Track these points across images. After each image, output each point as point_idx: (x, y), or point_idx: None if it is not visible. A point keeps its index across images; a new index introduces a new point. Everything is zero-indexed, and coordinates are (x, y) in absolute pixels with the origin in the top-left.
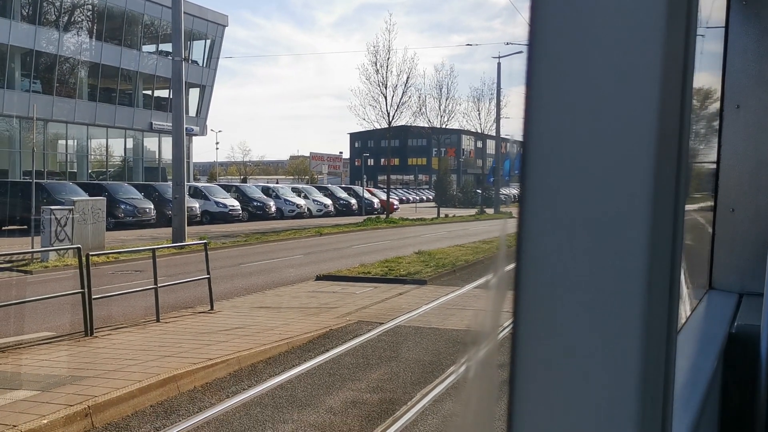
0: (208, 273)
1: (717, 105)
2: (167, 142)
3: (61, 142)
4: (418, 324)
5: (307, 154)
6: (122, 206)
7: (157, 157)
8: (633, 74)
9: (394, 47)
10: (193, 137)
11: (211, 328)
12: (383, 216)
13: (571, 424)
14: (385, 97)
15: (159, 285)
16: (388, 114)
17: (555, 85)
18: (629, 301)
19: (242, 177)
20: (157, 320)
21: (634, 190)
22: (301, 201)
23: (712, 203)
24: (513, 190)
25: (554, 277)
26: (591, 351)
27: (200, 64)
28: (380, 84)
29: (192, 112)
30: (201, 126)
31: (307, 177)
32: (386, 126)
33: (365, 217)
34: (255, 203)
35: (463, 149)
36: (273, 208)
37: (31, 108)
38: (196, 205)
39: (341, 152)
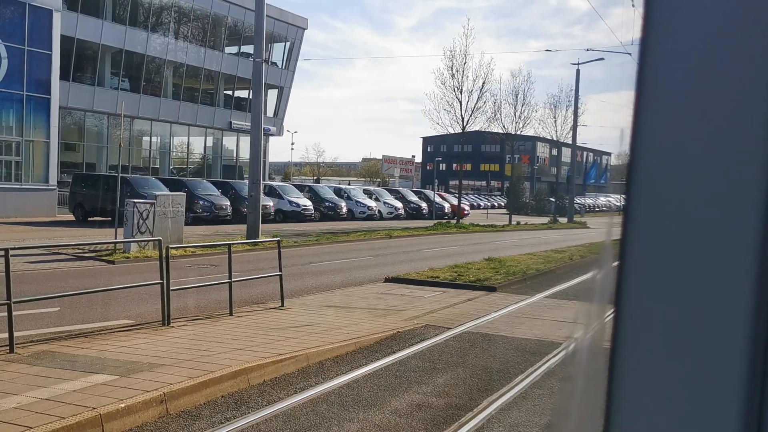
0: (280, 270)
1: None
2: (245, 141)
3: (146, 138)
4: (486, 331)
5: (380, 157)
6: (201, 202)
7: (234, 155)
8: (743, 79)
9: (470, 52)
10: (270, 137)
11: (282, 324)
12: (454, 221)
13: (670, 419)
14: (460, 102)
15: (233, 280)
16: (462, 119)
17: (665, 90)
18: (738, 309)
19: (315, 177)
20: (230, 314)
21: (744, 198)
22: (371, 203)
23: None
24: (588, 200)
25: (660, 285)
26: (694, 362)
27: (279, 66)
28: (455, 89)
29: (270, 112)
30: (278, 126)
31: (378, 180)
32: (460, 131)
33: (435, 221)
34: (327, 203)
35: (538, 156)
36: (344, 209)
37: (119, 105)
38: (270, 203)
39: (413, 156)
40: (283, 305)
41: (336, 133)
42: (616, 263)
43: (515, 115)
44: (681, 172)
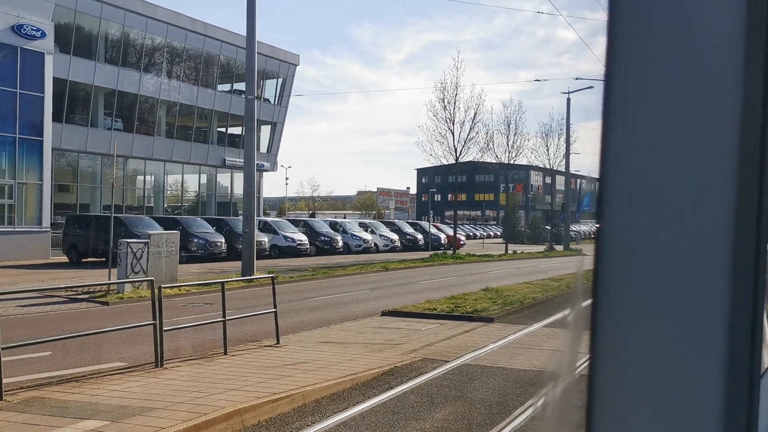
0: (275, 307)
1: None
2: (239, 178)
3: (140, 177)
4: (485, 363)
5: (374, 189)
6: (195, 240)
7: (229, 191)
8: (710, 110)
9: (461, 83)
10: (264, 172)
11: (277, 362)
12: (450, 252)
13: None
14: (453, 133)
15: (227, 318)
16: (456, 150)
17: (630, 118)
18: (710, 344)
19: (311, 212)
20: (225, 353)
21: (714, 229)
22: (367, 236)
23: None
24: (584, 227)
25: (632, 316)
26: (670, 394)
27: (272, 102)
28: (448, 120)
29: (263, 148)
30: (272, 162)
31: (374, 212)
32: (453, 161)
33: (432, 252)
34: (323, 238)
35: (531, 185)
36: (340, 243)
37: (112, 145)
38: (265, 239)
39: (408, 187)
40: (278, 342)
41: (331, 167)
42: (588, 302)
43: (508, 144)
44: (648, 199)
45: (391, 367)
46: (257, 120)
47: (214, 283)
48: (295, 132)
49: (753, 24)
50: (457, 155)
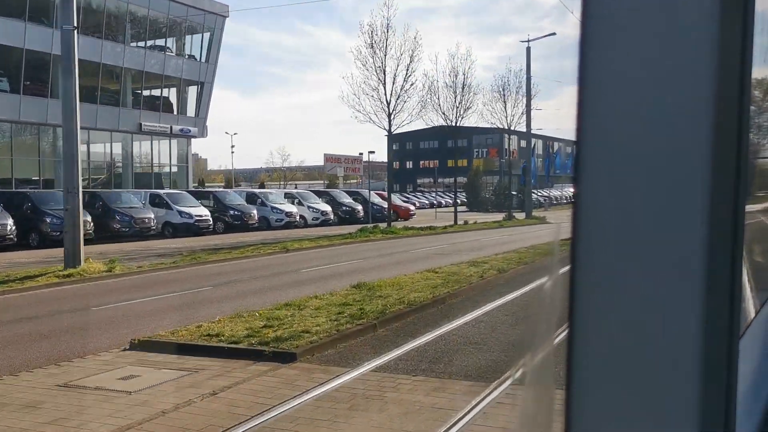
0: None
1: None
2: (163, 145)
3: (37, 145)
4: None
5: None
6: (48, 219)
7: (150, 161)
8: (687, 70)
9: (393, 26)
10: (192, 139)
11: None
12: (384, 225)
13: (631, 430)
14: (384, 85)
15: None
16: (388, 104)
17: (608, 82)
18: (688, 305)
19: (260, 183)
20: None
21: (692, 189)
22: (291, 208)
23: None
24: (555, 192)
25: (611, 280)
26: (649, 355)
27: (198, 59)
28: (377, 69)
29: (190, 111)
30: (200, 127)
31: (337, 181)
32: (385, 119)
33: (360, 226)
34: (233, 212)
35: (506, 149)
36: (256, 218)
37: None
38: (150, 215)
39: (361, 153)
40: None
41: (309, 137)
42: (566, 268)
43: (455, 99)
44: (625, 166)
45: None
46: (182, 79)
47: None
48: (277, 102)
49: None
50: (390, 111)
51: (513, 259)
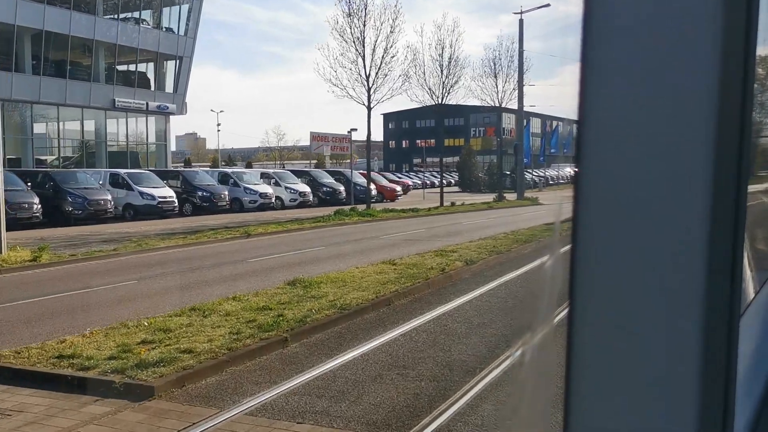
0: None
1: None
2: (136, 123)
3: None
4: None
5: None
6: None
7: (126, 139)
8: (691, 45)
9: None
10: (171, 116)
11: None
12: (376, 206)
13: (630, 407)
14: (363, 57)
15: None
16: (367, 78)
17: (610, 56)
18: (689, 283)
19: (246, 163)
20: None
21: (693, 167)
22: (266, 189)
23: None
24: (551, 171)
25: (612, 259)
26: (650, 334)
27: (176, 32)
28: (355, 40)
29: (168, 87)
30: (179, 103)
31: (332, 161)
32: (365, 95)
33: (337, 208)
34: (202, 193)
35: (504, 128)
36: (227, 199)
37: None
38: (107, 197)
39: (350, 131)
40: None
41: (308, 116)
42: (567, 248)
43: (441, 73)
44: (627, 144)
45: None
46: (158, 53)
47: None
48: (276, 81)
49: None
50: (370, 85)
51: (487, 248)
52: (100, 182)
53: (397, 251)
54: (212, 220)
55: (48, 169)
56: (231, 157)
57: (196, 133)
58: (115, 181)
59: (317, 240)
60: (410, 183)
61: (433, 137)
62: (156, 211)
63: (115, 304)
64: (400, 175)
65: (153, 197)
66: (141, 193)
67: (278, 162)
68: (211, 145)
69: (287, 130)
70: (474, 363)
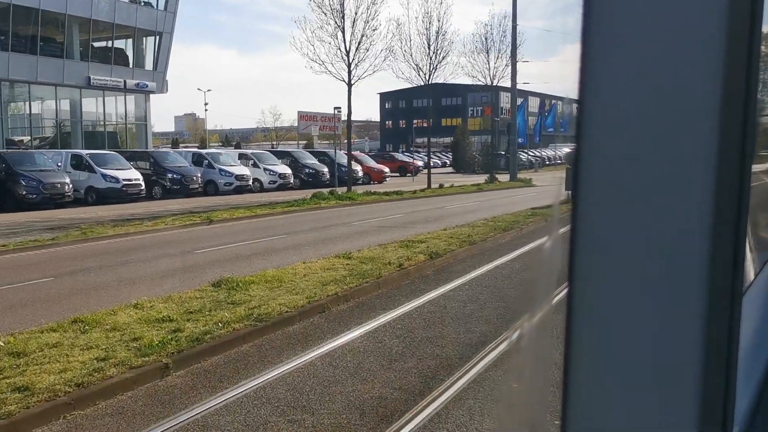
0: None
1: None
2: (113, 102)
3: None
4: None
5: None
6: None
7: (103, 118)
8: (694, 25)
9: None
10: (151, 95)
11: None
12: (359, 188)
13: (630, 387)
14: (343, 31)
15: None
16: (348, 53)
17: (613, 37)
18: (692, 262)
19: (235, 143)
20: None
21: (696, 148)
22: (244, 171)
23: None
24: (548, 152)
25: (613, 238)
26: (652, 312)
27: (155, 7)
28: (335, 12)
29: (148, 65)
30: (159, 81)
31: (326, 141)
32: (345, 71)
33: (314, 191)
34: (172, 175)
35: (502, 107)
36: (199, 182)
37: None
38: (65, 180)
39: (338, 109)
40: None
41: (307, 96)
42: (566, 228)
43: (429, 48)
44: (629, 123)
45: None
46: (136, 29)
47: None
48: (277, 61)
49: None
50: (350, 60)
51: (459, 237)
52: (59, 164)
53: (361, 241)
54: (179, 205)
55: (1, 151)
56: (228, 137)
57: (194, 114)
58: (78, 163)
59: (283, 227)
60: (420, 164)
61: (430, 116)
62: (120, 194)
63: (19, 308)
64: (394, 155)
65: (117, 180)
66: (104, 176)
67: (275, 142)
68: (211, 125)
69: (284, 110)
70: (396, 404)
